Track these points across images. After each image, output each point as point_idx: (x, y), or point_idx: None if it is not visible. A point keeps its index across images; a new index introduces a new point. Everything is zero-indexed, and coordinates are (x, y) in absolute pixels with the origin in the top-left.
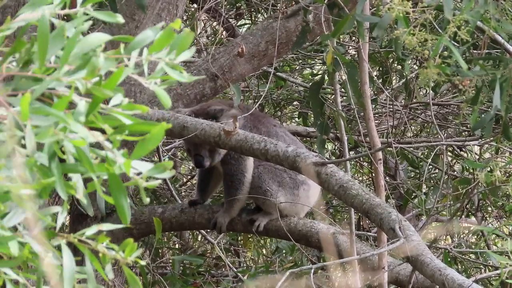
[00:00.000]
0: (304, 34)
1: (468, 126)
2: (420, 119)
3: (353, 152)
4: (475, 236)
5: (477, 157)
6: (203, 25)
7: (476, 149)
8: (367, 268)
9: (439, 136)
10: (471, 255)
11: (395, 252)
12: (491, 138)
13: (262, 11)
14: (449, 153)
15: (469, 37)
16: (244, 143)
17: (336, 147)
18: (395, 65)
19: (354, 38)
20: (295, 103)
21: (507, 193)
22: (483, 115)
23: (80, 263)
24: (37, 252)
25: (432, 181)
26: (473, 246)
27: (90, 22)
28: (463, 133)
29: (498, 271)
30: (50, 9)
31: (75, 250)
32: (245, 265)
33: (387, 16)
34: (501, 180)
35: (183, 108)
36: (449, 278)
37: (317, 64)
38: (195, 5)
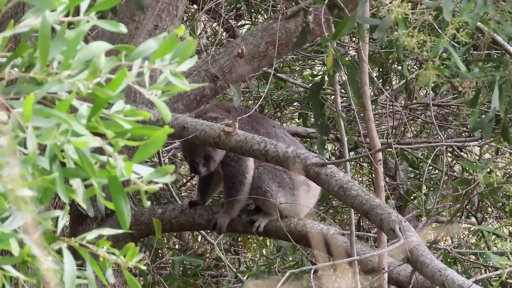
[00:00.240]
0: (304, 35)
1: (468, 126)
2: (420, 119)
3: (353, 153)
4: (475, 237)
5: (477, 158)
6: (203, 26)
7: (476, 149)
8: (367, 269)
9: (439, 137)
10: (471, 255)
11: (395, 252)
12: (491, 139)
13: (262, 12)
14: (449, 154)
15: (468, 39)
16: (244, 144)
17: (336, 148)
18: (395, 65)
19: (354, 39)
20: (295, 104)
21: (507, 193)
22: (483, 116)
23: (80, 265)
24: (37, 255)
25: (432, 182)
26: (473, 247)
27: (91, 25)
28: (463, 134)
29: (498, 272)
30: (53, 16)
31: (75, 254)
32: (245, 265)
33: (387, 18)
34: (500, 182)
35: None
36: (449, 278)
37: (317, 65)
38: (195, 6)
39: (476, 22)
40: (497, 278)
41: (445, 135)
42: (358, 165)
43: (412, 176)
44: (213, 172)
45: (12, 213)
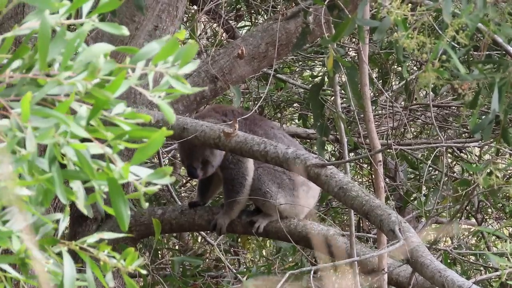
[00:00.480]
0: (304, 36)
1: (468, 127)
2: (420, 120)
3: (353, 154)
4: (475, 238)
5: (477, 158)
6: (203, 26)
7: (476, 150)
8: (367, 270)
9: (439, 138)
10: (471, 256)
11: (395, 253)
12: (491, 140)
13: (262, 12)
14: (449, 155)
15: (468, 41)
16: (244, 144)
17: (336, 149)
18: (395, 66)
19: (354, 40)
20: (295, 104)
21: (507, 195)
22: (483, 117)
23: (80, 268)
24: (35, 255)
25: (432, 183)
26: (473, 248)
27: (92, 27)
28: (463, 135)
29: (498, 273)
30: (55, 18)
31: (75, 257)
32: (245, 266)
33: (387, 20)
34: (500, 183)
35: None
36: (449, 279)
37: (317, 66)
38: (195, 7)
39: (476, 24)
40: (497, 279)
41: (445, 136)
42: (358, 166)
43: (412, 177)
44: (213, 173)
45: (13, 216)
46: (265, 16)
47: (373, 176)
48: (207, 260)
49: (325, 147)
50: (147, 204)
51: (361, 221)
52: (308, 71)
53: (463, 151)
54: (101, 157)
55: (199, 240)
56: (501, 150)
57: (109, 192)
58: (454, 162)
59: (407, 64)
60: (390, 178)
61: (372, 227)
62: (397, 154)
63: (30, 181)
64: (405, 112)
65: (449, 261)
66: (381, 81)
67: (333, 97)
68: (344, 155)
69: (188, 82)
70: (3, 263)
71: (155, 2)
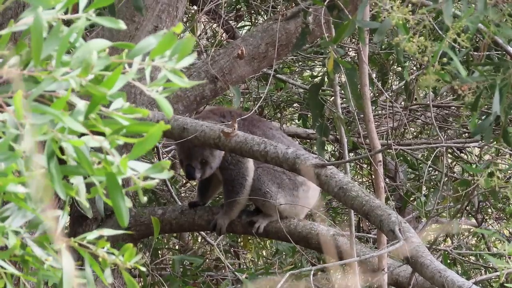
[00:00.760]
0: (304, 36)
1: (468, 128)
2: (420, 120)
3: (352, 154)
4: (475, 238)
5: (477, 159)
6: (203, 27)
7: (476, 151)
8: (367, 270)
9: (439, 138)
10: (471, 257)
11: (395, 254)
12: (491, 140)
13: (262, 13)
14: (449, 155)
15: (469, 43)
16: (244, 144)
17: (336, 149)
18: (395, 67)
19: (354, 40)
20: (295, 105)
21: (507, 195)
22: (483, 118)
23: (81, 266)
24: (38, 255)
25: (432, 183)
26: (473, 248)
27: (88, 22)
28: (463, 135)
29: (498, 273)
30: (52, 13)
31: (76, 254)
32: (245, 266)
33: (387, 21)
34: (501, 184)
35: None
36: (449, 280)
37: (317, 66)
38: (195, 7)
39: (476, 26)
40: (497, 279)
41: (445, 136)
42: (358, 166)
43: (412, 177)
44: (213, 174)
45: (13, 212)
46: (265, 16)
47: (373, 176)
48: (207, 260)
49: (325, 147)
50: (145, 198)
51: (361, 221)
52: (308, 71)
53: (463, 151)
54: (101, 149)
55: (199, 240)
56: (501, 151)
57: (108, 187)
58: (454, 162)
59: (407, 64)
60: (390, 178)
61: (372, 227)
62: (397, 154)
63: (24, 177)
64: (405, 112)
65: (449, 261)
66: (380, 81)
67: (333, 97)
68: (344, 155)
69: None
70: (1, 259)
71: (155, 3)
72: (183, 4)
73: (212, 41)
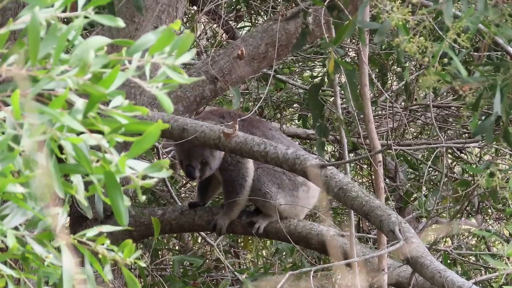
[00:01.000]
0: (304, 36)
1: (468, 128)
2: (420, 121)
3: (352, 154)
4: (475, 238)
5: (477, 159)
6: (203, 27)
7: (476, 151)
8: (367, 270)
9: (439, 138)
10: (471, 257)
11: (395, 254)
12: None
13: (262, 13)
14: (449, 155)
15: (469, 44)
16: (244, 145)
17: (336, 149)
18: (395, 67)
19: (354, 40)
20: (295, 105)
21: (506, 196)
22: (483, 118)
23: (81, 263)
24: (38, 253)
25: (432, 183)
26: (473, 248)
27: (87, 20)
28: (463, 135)
29: (498, 273)
30: (51, 11)
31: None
32: (245, 267)
33: (387, 22)
34: (502, 185)
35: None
36: (449, 280)
37: (317, 66)
38: (195, 7)
39: (477, 26)
40: (497, 279)
41: (445, 137)
42: (358, 166)
43: (412, 177)
44: (213, 174)
45: (12, 210)
46: (265, 16)
47: (373, 177)
48: (207, 260)
49: (325, 148)
50: (144, 198)
51: (361, 222)
52: (308, 71)
53: (463, 151)
54: (100, 148)
55: (199, 241)
56: (500, 151)
57: (106, 186)
58: (454, 163)
59: (407, 65)
60: (390, 178)
61: (372, 228)
62: (397, 154)
63: (23, 178)
64: (405, 112)
65: (449, 261)
66: (381, 81)
67: (333, 97)
68: (344, 156)
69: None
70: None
71: (154, 3)
72: (183, 4)
73: (212, 42)
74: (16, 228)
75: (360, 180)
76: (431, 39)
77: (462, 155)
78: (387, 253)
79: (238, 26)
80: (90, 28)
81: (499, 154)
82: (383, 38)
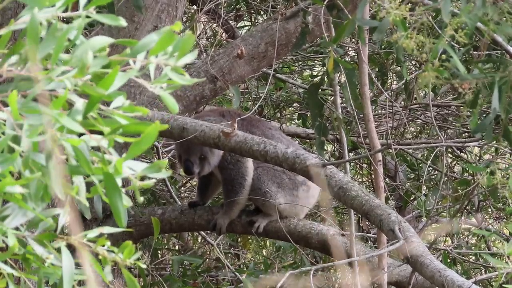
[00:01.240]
0: (304, 36)
1: (468, 127)
2: (419, 120)
3: (352, 154)
4: (475, 237)
5: (477, 158)
6: (202, 26)
7: (476, 150)
8: (366, 269)
9: (439, 138)
10: (471, 256)
11: (394, 253)
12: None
13: (262, 12)
14: (449, 155)
15: (467, 40)
16: (243, 144)
17: (336, 149)
18: (394, 66)
19: (353, 40)
20: (294, 104)
21: (506, 195)
22: (483, 116)
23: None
24: (38, 253)
25: (431, 183)
26: (473, 247)
27: (88, 20)
28: (463, 134)
29: (498, 272)
30: (52, 11)
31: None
32: (245, 267)
33: (386, 20)
34: (503, 183)
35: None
36: (449, 279)
37: (317, 66)
38: (195, 7)
39: (475, 23)
40: (497, 279)
41: (445, 136)
42: (357, 166)
43: (412, 177)
44: (213, 173)
45: (13, 211)
46: (264, 16)
47: (373, 176)
48: (207, 260)
49: (325, 147)
50: (142, 199)
51: (360, 221)
52: (307, 70)
53: (463, 150)
54: (99, 148)
55: (199, 240)
56: (500, 150)
57: (105, 187)
58: (454, 162)
59: (406, 64)
60: (390, 178)
61: (372, 227)
62: (396, 154)
63: (23, 179)
64: (404, 111)
65: (449, 260)
66: (380, 81)
67: (333, 97)
68: (344, 155)
69: None
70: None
71: (154, 2)
72: (183, 3)
73: (212, 41)
74: (17, 229)
75: (360, 180)
76: (430, 37)
77: (462, 154)
78: (387, 252)
79: (238, 26)
80: (90, 28)
81: (499, 153)
82: (382, 36)
